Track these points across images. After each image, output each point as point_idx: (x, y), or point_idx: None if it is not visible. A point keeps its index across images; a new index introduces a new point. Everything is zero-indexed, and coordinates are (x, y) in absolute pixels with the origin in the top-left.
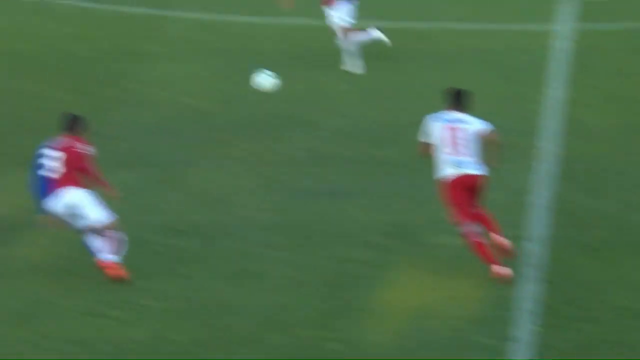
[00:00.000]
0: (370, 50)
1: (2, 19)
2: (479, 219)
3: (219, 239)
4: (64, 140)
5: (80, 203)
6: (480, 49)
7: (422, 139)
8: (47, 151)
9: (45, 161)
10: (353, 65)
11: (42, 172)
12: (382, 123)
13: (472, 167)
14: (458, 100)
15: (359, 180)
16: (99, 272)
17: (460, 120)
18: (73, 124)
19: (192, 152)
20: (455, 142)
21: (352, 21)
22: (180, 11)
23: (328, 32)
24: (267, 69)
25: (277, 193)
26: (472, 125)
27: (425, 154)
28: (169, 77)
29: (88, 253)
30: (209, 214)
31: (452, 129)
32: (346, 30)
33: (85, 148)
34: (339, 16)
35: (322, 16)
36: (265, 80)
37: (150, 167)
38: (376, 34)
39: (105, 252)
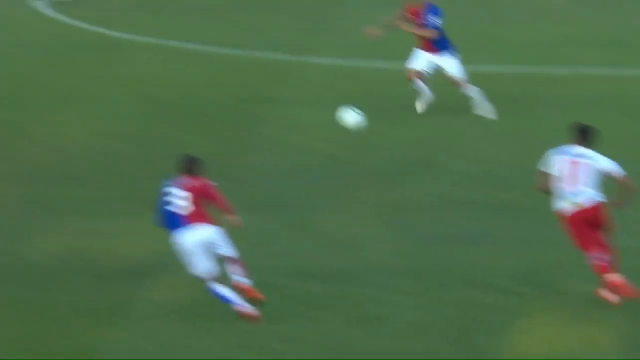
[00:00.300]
0: (502, 94)
1: (142, 65)
2: (605, 249)
3: (348, 283)
4: (187, 179)
5: (213, 238)
6: (615, 94)
7: (543, 169)
8: (173, 189)
9: (172, 199)
10: (483, 109)
11: (170, 208)
12: (511, 167)
13: (589, 200)
14: (583, 136)
15: (487, 225)
16: (232, 315)
17: (583, 155)
18: (191, 165)
19: (322, 197)
20: (575, 175)
21: (462, 72)
22: (315, 57)
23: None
24: (356, 108)
25: (406, 238)
26: (597, 162)
27: (544, 185)
28: (302, 122)
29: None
30: (338, 258)
31: (574, 162)
32: (460, 81)
33: (207, 181)
34: (451, 67)
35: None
36: (350, 116)
37: (281, 211)
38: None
39: (240, 276)
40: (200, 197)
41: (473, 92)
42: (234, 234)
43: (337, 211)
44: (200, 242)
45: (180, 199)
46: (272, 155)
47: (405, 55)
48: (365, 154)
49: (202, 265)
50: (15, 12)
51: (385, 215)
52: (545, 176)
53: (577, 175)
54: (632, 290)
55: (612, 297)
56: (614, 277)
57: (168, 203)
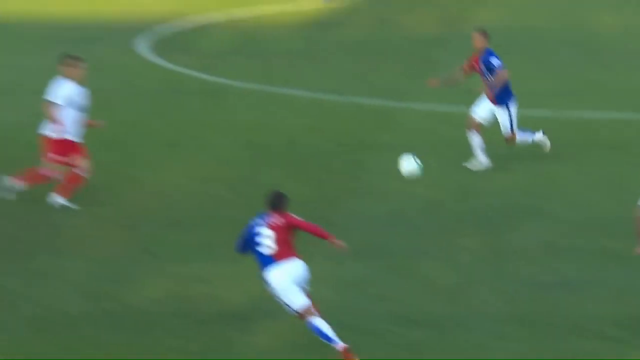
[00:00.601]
0: (604, 140)
1: (244, 111)
2: None
3: (451, 329)
4: (274, 217)
5: (303, 272)
6: None
7: None
8: (261, 229)
9: (261, 239)
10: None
11: (260, 249)
12: (614, 214)
13: None
14: None
15: (591, 271)
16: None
17: None
18: (278, 201)
19: (424, 243)
20: None
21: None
22: (414, 103)
23: (558, 123)
24: (417, 156)
25: (509, 284)
26: None
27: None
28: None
29: (321, 339)
30: (441, 304)
31: None
32: (508, 137)
33: (293, 215)
34: (504, 121)
35: (554, 107)
36: (408, 164)
37: (383, 257)
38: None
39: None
40: (289, 231)
41: (524, 137)
42: (336, 279)
43: (439, 257)
44: (291, 277)
45: (268, 239)
46: (373, 201)
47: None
48: (467, 200)
49: (298, 299)
50: (122, 59)
51: (488, 261)
52: None
53: None
54: None
55: None
56: None
57: (258, 244)
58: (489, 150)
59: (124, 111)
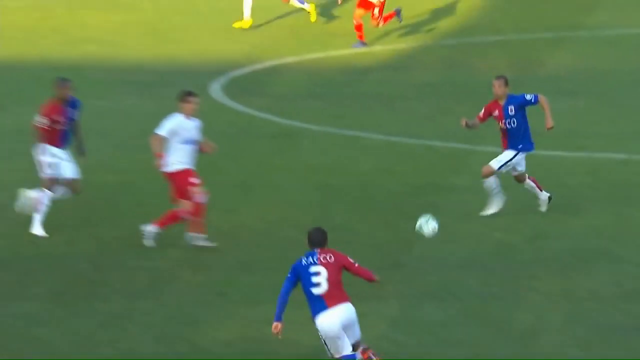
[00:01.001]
0: None
1: (316, 154)
2: None
3: None
4: (324, 253)
5: (352, 318)
6: None
7: None
8: (314, 267)
9: (315, 278)
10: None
11: (314, 289)
12: None
13: None
14: None
15: None
16: None
17: None
18: (323, 238)
19: (497, 285)
20: None
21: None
22: (486, 146)
23: (632, 165)
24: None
25: (583, 328)
26: None
27: None
28: (476, 211)
29: None
30: (514, 348)
31: None
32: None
33: (340, 253)
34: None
35: (628, 150)
36: (425, 225)
37: (456, 300)
38: None
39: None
40: (340, 270)
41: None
42: (409, 322)
43: (512, 300)
44: (342, 323)
45: (321, 277)
46: (446, 244)
47: (576, 145)
48: (540, 243)
49: (345, 348)
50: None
51: (562, 305)
52: None
53: None
54: None
55: None
56: None
57: (313, 285)
58: (561, 192)
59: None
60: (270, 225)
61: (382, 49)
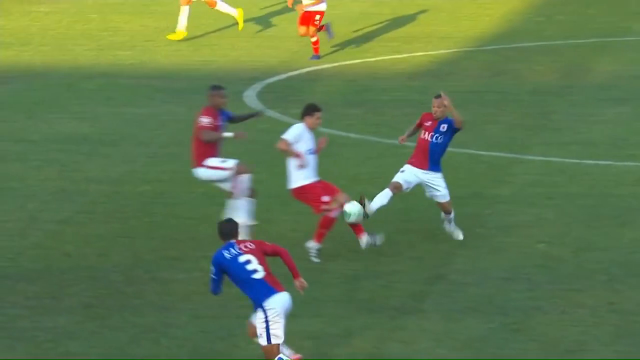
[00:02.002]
0: None
1: (357, 165)
2: None
3: None
4: (242, 243)
5: (289, 307)
6: None
7: None
8: (240, 258)
9: (250, 266)
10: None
11: (253, 276)
12: None
13: None
14: None
15: None
16: None
17: None
18: (235, 230)
19: (542, 299)
20: None
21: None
22: (530, 155)
23: None
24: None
25: (632, 345)
26: None
27: None
28: (519, 223)
29: None
30: None
31: None
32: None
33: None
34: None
35: None
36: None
37: (499, 314)
38: None
39: None
40: (263, 256)
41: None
42: (451, 338)
43: (557, 315)
44: (284, 309)
45: (252, 265)
46: (489, 256)
47: (628, 156)
48: (587, 255)
49: (281, 335)
50: (231, 110)
51: (610, 320)
52: None
53: None
54: None
55: None
56: None
57: (251, 272)
58: (608, 204)
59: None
60: (307, 236)
61: (423, 55)
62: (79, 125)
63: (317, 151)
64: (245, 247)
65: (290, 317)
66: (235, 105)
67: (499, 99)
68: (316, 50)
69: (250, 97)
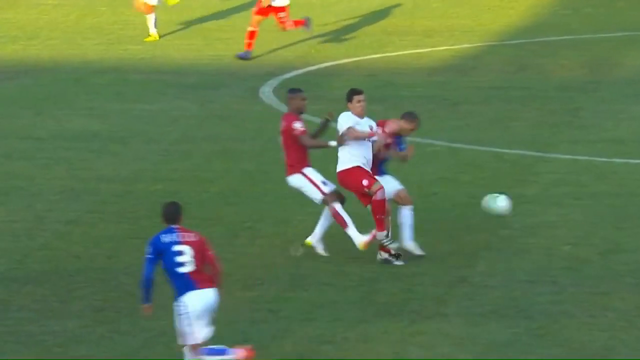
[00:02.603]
0: None
1: None
2: None
3: None
4: (183, 232)
5: (215, 305)
6: None
7: None
8: (175, 247)
9: (180, 257)
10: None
11: (180, 269)
12: None
13: None
14: None
15: None
16: None
17: None
18: (178, 213)
19: (568, 302)
20: None
21: None
22: (556, 153)
23: None
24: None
25: None
26: None
27: None
28: (544, 223)
29: None
30: None
31: None
32: None
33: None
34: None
35: None
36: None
37: (523, 317)
38: None
39: None
40: (200, 251)
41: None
42: (474, 342)
43: (584, 319)
44: (206, 307)
45: (187, 256)
46: (513, 258)
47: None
48: (615, 257)
49: (201, 334)
50: (247, 106)
51: (638, 323)
52: None
53: None
54: None
55: None
56: None
57: (179, 264)
58: (638, 204)
59: (247, 161)
60: (325, 238)
61: (445, 49)
62: (88, 121)
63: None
64: (185, 237)
65: (307, 321)
66: (250, 102)
67: (524, 95)
68: (248, 45)
69: (267, 94)
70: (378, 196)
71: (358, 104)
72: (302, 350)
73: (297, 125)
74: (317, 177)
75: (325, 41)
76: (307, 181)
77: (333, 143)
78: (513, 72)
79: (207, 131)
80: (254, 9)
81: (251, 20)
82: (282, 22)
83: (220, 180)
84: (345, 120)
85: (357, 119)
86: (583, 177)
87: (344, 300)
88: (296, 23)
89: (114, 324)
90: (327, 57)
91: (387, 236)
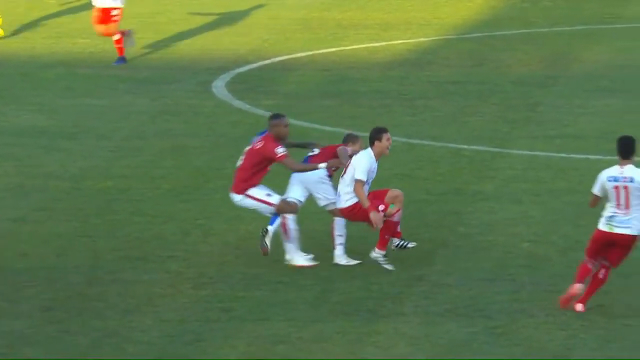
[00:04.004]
0: None
1: None
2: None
3: None
4: None
5: None
6: None
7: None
8: None
9: None
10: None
11: None
12: None
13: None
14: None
15: None
16: None
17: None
18: None
19: (527, 301)
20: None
21: None
22: (514, 149)
23: None
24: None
25: (622, 350)
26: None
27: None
28: (503, 220)
29: None
30: None
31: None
32: None
33: None
34: None
35: None
36: None
37: (481, 317)
38: None
39: None
40: None
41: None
42: (430, 342)
43: (543, 318)
44: None
45: None
46: (471, 256)
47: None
48: (574, 255)
49: None
50: (199, 101)
51: (598, 322)
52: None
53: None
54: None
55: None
56: None
57: None
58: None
59: (199, 157)
60: (279, 235)
61: (401, 43)
62: (36, 117)
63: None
64: None
65: (261, 321)
66: (202, 97)
67: (482, 89)
68: (120, 50)
69: (219, 88)
70: (395, 218)
71: (387, 143)
72: (256, 350)
73: (279, 150)
74: (261, 193)
75: (279, 35)
76: (252, 201)
77: (323, 165)
78: (471, 66)
79: (158, 127)
80: (92, 19)
81: (104, 31)
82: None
83: (171, 176)
84: (365, 166)
85: (374, 161)
86: (542, 173)
87: (299, 300)
88: (122, 33)
89: (63, 323)
90: (281, 51)
91: (385, 257)
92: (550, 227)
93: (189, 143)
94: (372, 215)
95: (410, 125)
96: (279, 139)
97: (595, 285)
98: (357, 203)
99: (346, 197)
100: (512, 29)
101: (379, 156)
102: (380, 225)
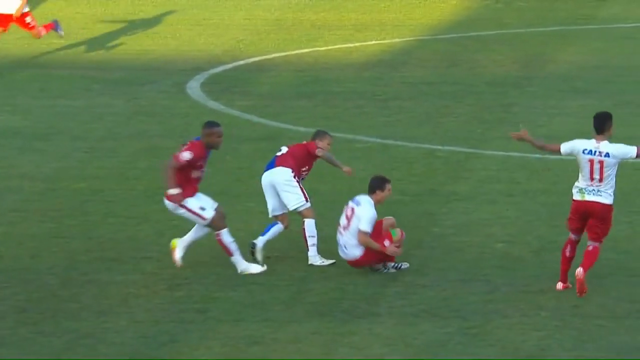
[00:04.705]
0: None
1: None
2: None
3: None
4: None
5: None
6: None
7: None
8: None
9: None
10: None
11: None
12: None
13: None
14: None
15: None
16: None
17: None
18: None
19: (502, 302)
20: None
21: None
22: (489, 150)
23: None
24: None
25: (596, 350)
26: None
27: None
28: (477, 221)
29: None
30: None
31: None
32: None
33: None
34: None
35: None
36: None
37: (456, 317)
38: None
39: None
40: None
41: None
42: (405, 343)
43: (517, 319)
44: None
45: None
46: (445, 257)
47: None
48: (549, 256)
49: None
50: (174, 102)
51: (572, 322)
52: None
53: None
54: None
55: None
56: None
57: None
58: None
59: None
60: (254, 236)
61: (375, 44)
62: (10, 118)
63: None
64: None
65: (236, 322)
66: (177, 98)
67: (456, 90)
68: (47, 27)
69: (194, 89)
70: (403, 237)
71: (388, 193)
72: (231, 351)
73: (184, 154)
74: (195, 205)
75: (254, 35)
76: (185, 211)
77: (174, 191)
78: (445, 67)
79: (133, 128)
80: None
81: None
82: (31, 29)
83: (146, 178)
84: (370, 217)
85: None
86: (516, 174)
87: (273, 300)
88: (46, 27)
89: (37, 325)
90: (255, 52)
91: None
92: (524, 228)
93: (164, 144)
94: (390, 251)
95: (384, 126)
96: (210, 148)
97: (588, 258)
98: (366, 249)
99: (355, 248)
100: (487, 30)
101: (377, 204)
102: (400, 253)
